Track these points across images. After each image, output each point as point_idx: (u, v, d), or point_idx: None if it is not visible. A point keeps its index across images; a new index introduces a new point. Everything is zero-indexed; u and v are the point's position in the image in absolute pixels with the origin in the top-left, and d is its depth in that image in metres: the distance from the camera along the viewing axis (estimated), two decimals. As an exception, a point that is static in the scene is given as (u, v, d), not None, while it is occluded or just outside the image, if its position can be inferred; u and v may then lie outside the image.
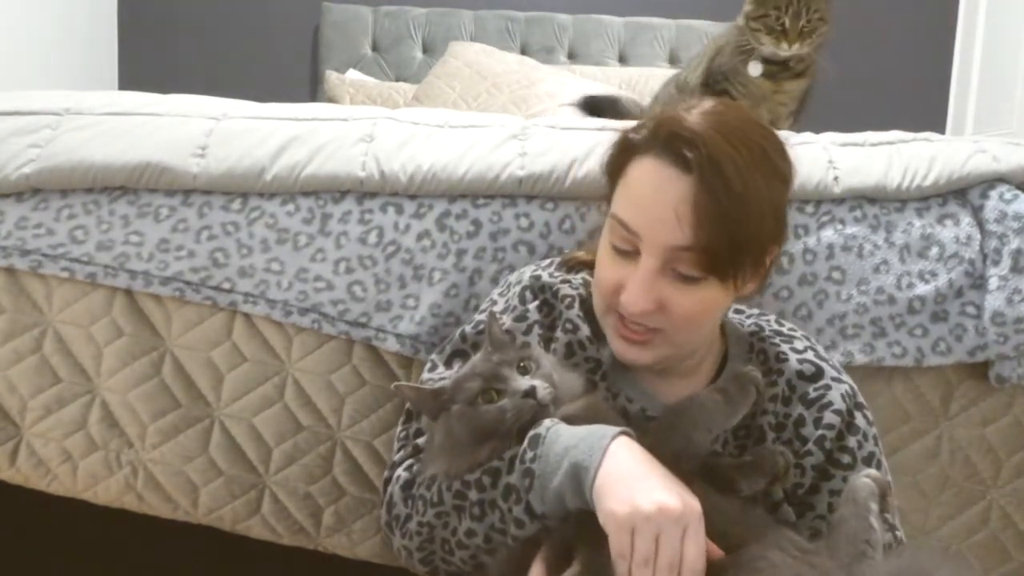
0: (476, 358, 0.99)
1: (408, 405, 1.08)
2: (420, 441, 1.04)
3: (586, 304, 1.08)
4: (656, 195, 0.97)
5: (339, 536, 1.28)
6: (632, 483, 0.84)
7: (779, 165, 1.01)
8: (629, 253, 0.99)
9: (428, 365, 1.10)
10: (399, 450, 1.06)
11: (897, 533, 1.00)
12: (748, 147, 0.97)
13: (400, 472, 1.02)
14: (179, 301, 1.24)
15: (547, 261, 1.17)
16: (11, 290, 1.25)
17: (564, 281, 1.10)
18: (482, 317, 1.10)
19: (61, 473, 1.28)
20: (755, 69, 1.60)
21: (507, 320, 1.08)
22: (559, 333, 1.06)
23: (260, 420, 1.26)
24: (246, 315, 1.24)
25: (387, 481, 1.04)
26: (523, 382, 0.92)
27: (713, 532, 0.85)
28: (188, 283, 1.23)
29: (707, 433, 0.93)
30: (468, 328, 1.10)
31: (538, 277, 1.11)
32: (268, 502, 1.28)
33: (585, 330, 1.06)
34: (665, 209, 0.95)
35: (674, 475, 0.86)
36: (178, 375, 1.25)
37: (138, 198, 1.26)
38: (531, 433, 0.90)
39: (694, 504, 0.84)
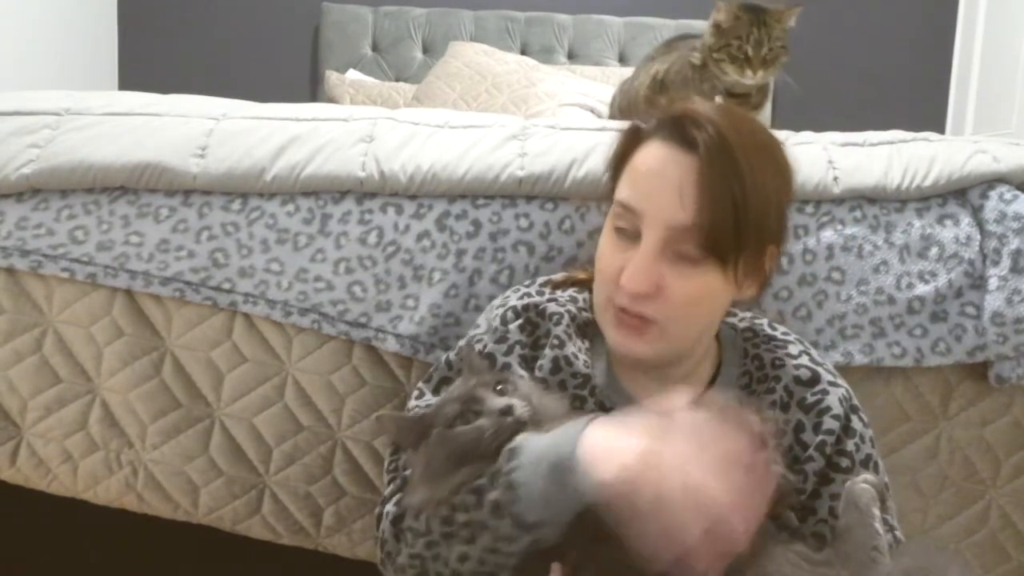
0: (454, 385, 0.98)
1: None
2: (408, 473, 1.02)
3: (576, 321, 1.07)
4: (660, 173, 0.97)
5: (339, 536, 1.29)
6: (615, 446, 0.80)
7: (783, 164, 1.02)
8: (632, 237, 0.99)
9: (415, 393, 1.09)
10: (389, 483, 1.04)
11: (896, 533, 1.00)
12: (755, 138, 0.99)
13: (390, 508, 1.00)
14: (179, 301, 1.24)
15: (528, 281, 1.16)
16: (11, 290, 1.25)
17: (551, 300, 1.09)
18: (464, 342, 1.09)
19: (61, 473, 1.29)
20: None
21: (488, 342, 1.06)
22: (546, 350, 1.04)
23: (260, 420, 1.26)
24: (246, 315, 1.24)
25: (378, 517, 1.02)
26: (500, 401, 0.91)
27: None
28: (188, 283, 1.24)
29: None
30: (452, 355, 1.09)
31: (522, 298, 1.10)
32: (268, 502, 1.28)
33: (571, 347, 1.04)
34: (668, 186, 0.95)
35: None
36: (178, 375, 1.25)
37: (138, 198, 1.26)
38: (506, 449, 0.88)
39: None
